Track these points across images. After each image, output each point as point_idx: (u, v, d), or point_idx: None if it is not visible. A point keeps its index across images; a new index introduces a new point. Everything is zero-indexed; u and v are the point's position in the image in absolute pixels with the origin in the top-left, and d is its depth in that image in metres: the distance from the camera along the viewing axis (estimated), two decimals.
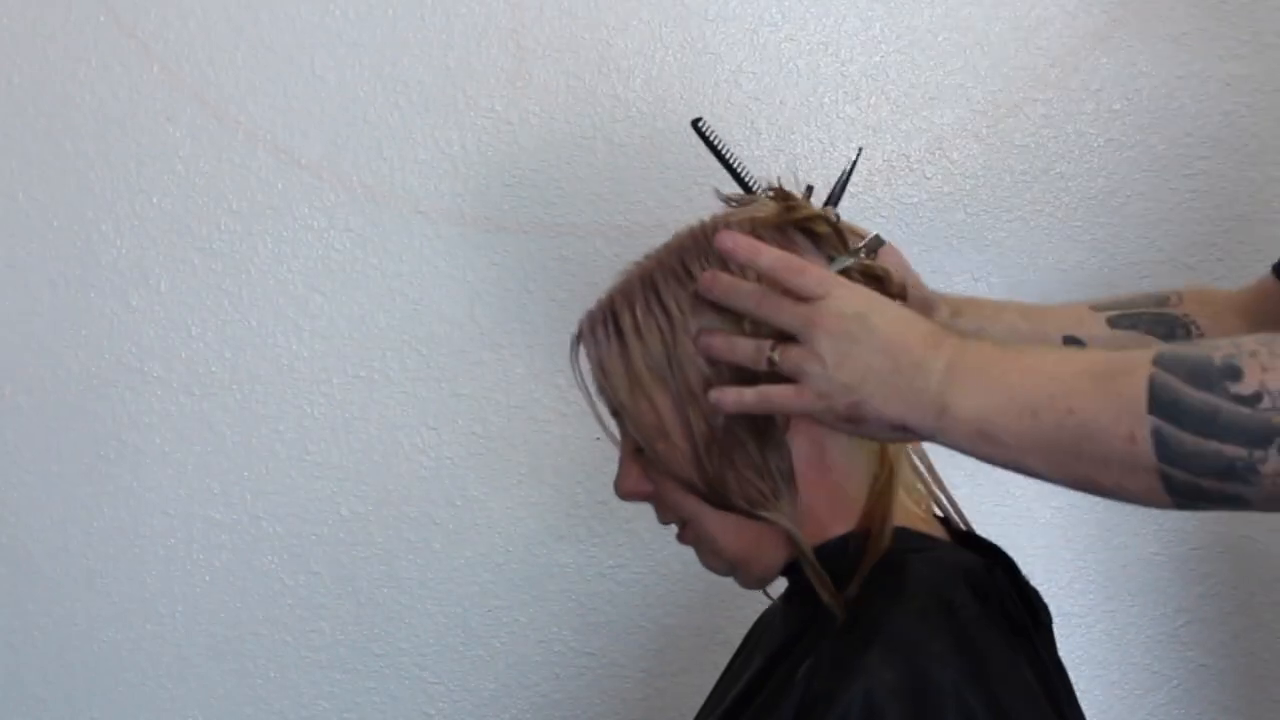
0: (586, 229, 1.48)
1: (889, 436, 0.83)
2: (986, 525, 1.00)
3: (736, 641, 1.07)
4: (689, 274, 0.90)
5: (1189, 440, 0.69)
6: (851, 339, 0.81)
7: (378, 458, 1.51)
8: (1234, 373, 0.69)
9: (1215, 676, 1.51)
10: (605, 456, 0.99)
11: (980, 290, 1.46)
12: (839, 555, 0.91)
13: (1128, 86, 1.45)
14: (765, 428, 0.89)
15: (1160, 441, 0.70)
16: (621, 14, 1.46)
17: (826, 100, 1.47)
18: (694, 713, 1.02)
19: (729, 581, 0.98)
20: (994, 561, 0.94)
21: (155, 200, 1.50)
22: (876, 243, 0.93)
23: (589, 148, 1.47)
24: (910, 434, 0.81)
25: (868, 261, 0.92)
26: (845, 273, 0.91)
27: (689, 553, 0.99)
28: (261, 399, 1.51)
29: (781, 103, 1.47)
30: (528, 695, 1.53)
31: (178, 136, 1.49)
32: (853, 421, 0.82)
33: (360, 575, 1.52)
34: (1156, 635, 1.51)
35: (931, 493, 0.98)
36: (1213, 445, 0.69)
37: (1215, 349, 0.70)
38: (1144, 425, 0.70)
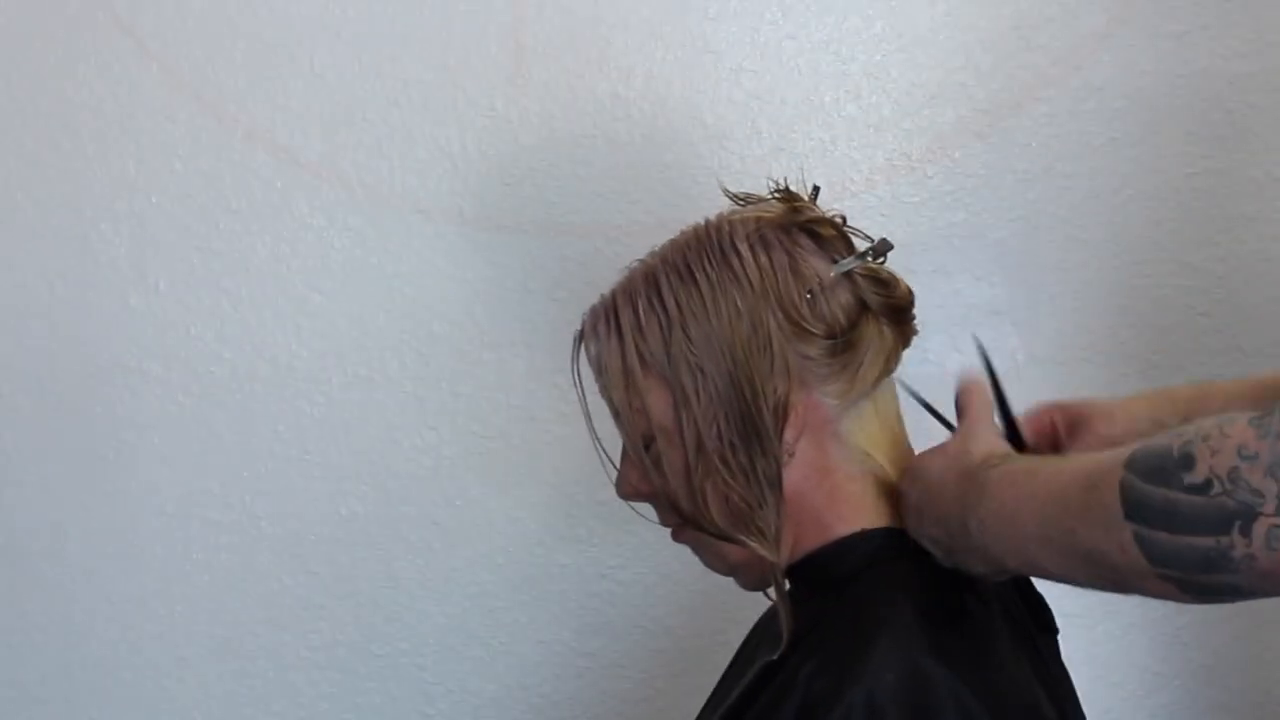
0: (586, 229, 1.47)
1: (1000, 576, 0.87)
2: None
3: (737, 642, 1.07)
4: (691, 273, 0.90)
5: (1164, 539, 0.68)
6: (919, 517, 0.88)
7: (377, 458, 1.51)
8: (1188, 462, 0.67)
9: (1218, 677, 1.50)
10: (608, 452, 0.99)
11: (981, 289, 1.46)
12: (841, 556, 0.92)
13: (1130, 85, 1.44)
14: (756, 432, 0.89)
15: (1144, 546, 0.69)
16: (621, 11, 1.46)
17: (828, 99, 1.46)
18: (694, 714, 1.02)
19: (730, 582, 0.98)
20: None
21: (154, 199, 1.50)
22: (884, 246, 0.93)
23: (589, 147, 1.47)
24: (1004, 573, 0.85)
25: (873, 265, 0.92)
26: (848, 275, 0.91)
27: (690, 553, 0.99)
28: (260, 399, 1.50)
29: (782, 101, 1.46)
30: (527, 696, 1.53)
31: (176, 135, 1.49)
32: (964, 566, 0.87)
33: (359, 575, 1.52)
34: (1159, 636, 1.51)
35: None
36: (1184, 540, 0.67)
37: (1179, 437, 0.69)
38: (1126, 532, 0.69)
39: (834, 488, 0.92)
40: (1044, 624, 0.95)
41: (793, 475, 0.90)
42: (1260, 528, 0.65)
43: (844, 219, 0.95)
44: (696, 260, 0.90)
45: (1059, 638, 0.98)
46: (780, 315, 0.89)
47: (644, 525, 1.02)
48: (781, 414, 0.89)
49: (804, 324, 0.89)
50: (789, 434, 0.89)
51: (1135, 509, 0.69)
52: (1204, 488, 0.66)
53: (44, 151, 1.50)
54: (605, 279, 0.96)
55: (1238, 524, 0.65)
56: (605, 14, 1.46)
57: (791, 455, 0.90)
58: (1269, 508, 0.65)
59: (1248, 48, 1.43)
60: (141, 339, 1.50)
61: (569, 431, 1.49)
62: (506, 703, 1.53)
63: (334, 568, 1.52)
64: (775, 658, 0.88)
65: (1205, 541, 0.67)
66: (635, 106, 1.46)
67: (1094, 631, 1.50)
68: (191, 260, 1.50)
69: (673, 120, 1.46)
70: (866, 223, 0.97)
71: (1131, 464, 0.70)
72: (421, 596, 1.52)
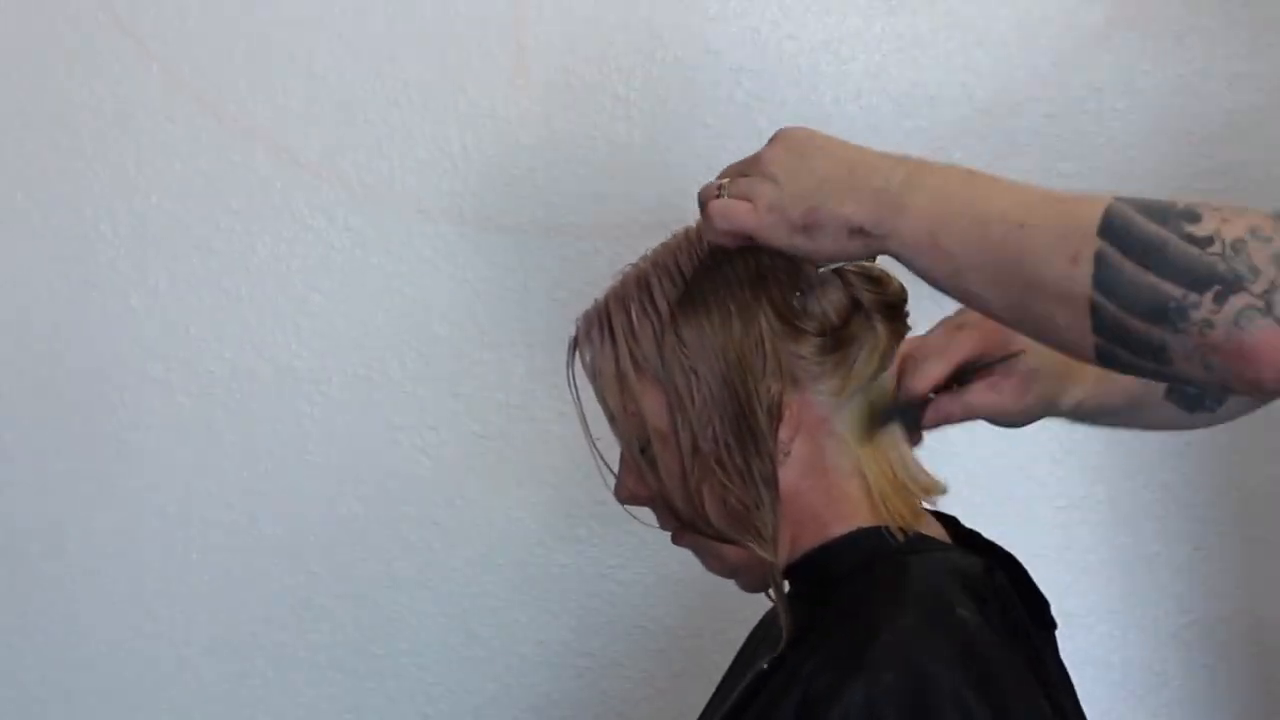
0: (586, 229, 1.47)
1: (844, 246, 0.81)
2: (988, 526, 1.00)
3: (738, 642, 1.07)
4: (681, 273, 0.90)
5: (1129, 269, 0.68)
6: (802, 155, 0.82)
7: (377, 458, 1.51)
8: (1193, 216, 0.68)
9: (1218, 677, 1.50)
10: (605, 457, 0.99)
11: None
12: (840, 554, 0.92)
13: (1129, 85, 1.44)
14: (751, 433, 0.89)
15: (1102, 265, 0.69)
16: (622, 12, 1.46)
17: (828, 99, 1.46)
18: (694, 713, 1.02)
19: (730, 583, 0.98)
20: (995, 563, 0.94)
21: (154, 200, 1.50)
22: None
23: (589, 147, 1.47)
24: (867, 238, 0.79)
25: (865, 263, 0.92)
26: (839, 273, 0.91)
27: (689, 554, 0.99)
28: (260, 399, 1.50)
29: (782, 102, 1.46)
30: (527, 695, 1.53)
31: (176, 135, 1.49)
32: (808, 230, 0.81)
33: (359, 575, 1.52)
34: (1159, 635, 1.51)
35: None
36: (1151, 279, 0.68)
37: (1180, 198, 0.70)
38: (1090, 246, 0.69)
39: (831, 486, 0.92)
40: (1042, 621, 0.95)
41: (789, 475, 0.90)
42: (1237, 302, 0.66)
43: None
44: (686, 260, 0.91)
45: (1059, 637, 0.98)
46: (772, 314, 0.89)
47: (644, 525, 1.02)
48: (776, 413, 0.89)
49: (795, 322, 0.89)
50: (784, 433, 0.89)
51: (1118, 230, 0.69)
52: (1203, 242, 0.67)
53: (44, 151, 1.50)
54: (605, 279, 0.97)
55: (1216, 288, 0.66)
56: (605, 14, 1.46)
57: (787, 455, 0.90)
58: (1257, 288, 0.66)
59: (1247, 48, 1.43)
60: (142, 339, 1.50)
61: (569, 431, 1.47)
62: (506, 702, 1.53)
63: (334, 568, 1.52)
64: (775, 656, 0.88)
65: (1171, 289, 0.67)
66: (635, 107, 1.47)
67: (1094, 631, 1.50)
68: (191, 260, 1.50)
69: (673, 120, 1.46)
70: None
71: (1122, 198, 0.70)
72: (421, 597, 1.52)
